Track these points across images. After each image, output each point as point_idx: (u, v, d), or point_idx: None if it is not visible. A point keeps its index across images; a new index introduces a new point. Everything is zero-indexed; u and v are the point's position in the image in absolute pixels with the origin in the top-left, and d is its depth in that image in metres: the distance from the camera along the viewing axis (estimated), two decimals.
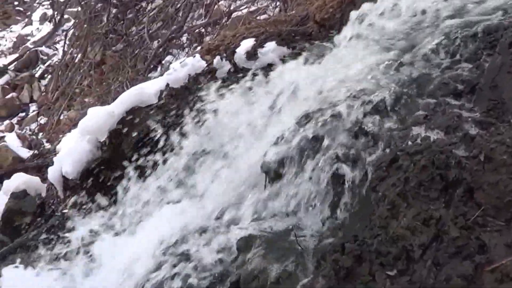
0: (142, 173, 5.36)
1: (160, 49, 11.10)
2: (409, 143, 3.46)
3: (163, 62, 10.67)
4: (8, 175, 11.72)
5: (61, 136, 11.47)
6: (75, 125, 10.31)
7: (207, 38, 9.19)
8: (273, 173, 3.94)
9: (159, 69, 10.40)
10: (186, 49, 10.60)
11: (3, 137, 14.11)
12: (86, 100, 11.97)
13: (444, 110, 3.67)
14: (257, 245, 3.55)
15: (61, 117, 12.70)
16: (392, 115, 3.85)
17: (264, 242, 3.55)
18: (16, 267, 5.42)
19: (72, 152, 6.01)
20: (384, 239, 3.06)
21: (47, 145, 12.53)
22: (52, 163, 6.44)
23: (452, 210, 2.96)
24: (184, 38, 11.11)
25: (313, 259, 3.29)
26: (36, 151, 12.58)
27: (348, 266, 3.03)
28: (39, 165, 10.99)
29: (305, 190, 3.75)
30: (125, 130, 5.77)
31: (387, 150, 3.53)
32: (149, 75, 10.14)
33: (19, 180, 6.66)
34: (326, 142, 3.84)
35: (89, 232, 5.25)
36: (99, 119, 5.85)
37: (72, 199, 6.12)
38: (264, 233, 3.64)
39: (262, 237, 3.60)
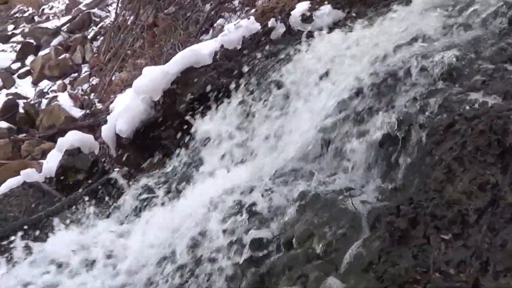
0: (192, 138, 5.39)
1: (212, 12, 11.09)
2: (467, 107, 3.43)
3: (214, 25, 10.66)
4: (61, 134, 11.93)
5: (112, 96, 11.61)
6: (126, 86, 10.43)
7: (259, 2, 9.12)
8: (331, 134, 3.95)
9: (210, 32, 10.40)
10: (238, 13, 10.56)
11: (56, 96, 14.33)
12: (138, 61, 12.05)
13: (502, 76, 3.62)
14: (313, 205, 3.57)
15: (113, 78, 12.83)
16: (449, 79, 3.81)
17: (319, 202, 3.57)
18: (68, 222, 5.52)
19: (126, 111, 6.08)
20: (439, 202, 3.05)
21: (99, 105, 12.70)
22: (105, 122, 6.53)
23: (509, 176, 2.93)
24: (236, 2, 11.07)
25: (368, 220, 3.30)
26: (88, 111, 12.77)
27: (403, 228, 3.03)
28: (90, 124, 11.17)
29: (362, 152, 3.75)
30: (179, 90, 5.81)
31: (445, 115, 3.50)
32: (201, 37, 10.16)
33: (73, 138, 6.76)
34: (383, 103, 3.83)
35: (142, 190, 5.32)
36: (153, 78, 5.89)
37: (125, 157, 6.21)
38: (320, 193, 3.65)
39: (318, 197, 3.61)
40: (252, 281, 3.43)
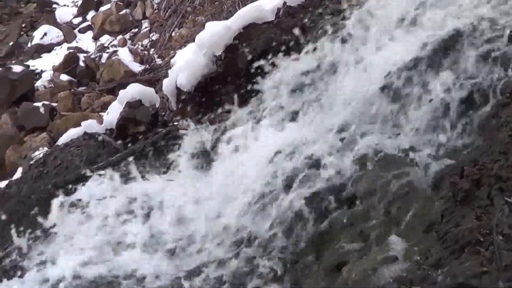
0: (255, 90, 5.37)
1: None
2: None
3: None
4: (120, 88, 12.04)
5: (172, 52, 11.66)
6: (186, 42, 10.47)
7: None
8: (396, 92, 3.91)
9: None
10: None
11: (116, 51, 14.47)
12: (198, 18, 12.05)
13: None
14: (376, 163, 3.56)
15: (173, 34, 12.88)
16: None
17: (382, 160, 3.55)
18: (127, 173, 5.60)
19: (187, 65, 6.10)
20: (504, 164, 3.01)
21: (158, 61, 12.78)
22: (166, 76, 6.55)
23: None
24: None
25: (432, 180, 3.28)
26: (147, 66, 12.88)
27: (466, 189, 3.00)
28: (150, 79, 11.28)
29: (427, 111, 3.71)
30: (241, 45, 5.80)
31: None
32: None
33: (134, 90, 6.80)
34: (449, 61, 3.77)
35: (199, 143, 5.35)
36: (216, 33, 5.89)
37: (185, 111, 6.25)
38: (383, 151, 3.62)
39: (382, 155, 3.59)
40: (312, 235, 3.45)
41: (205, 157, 5.16)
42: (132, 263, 4.09)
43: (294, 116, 4.64)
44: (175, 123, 6.37)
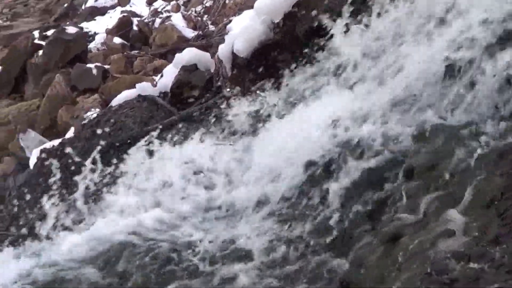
0: (312, 58, 5.32)
1: None
2: None
3: None
4: (173, 53, 12.08)
5: (225, 19, 11.63)
6: (241, 9, 10.41)
7: None
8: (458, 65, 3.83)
9: None
10: None
11: (170, 16, 14.50)
12: None
13: None
14: (436, 136, 3.50)
15: (227, 1, 12.84)
16: None
17: (442, 134, 3.50)
18: (180, 136, 5.63)
19: (245, 31, 6.08)
20: None
21: (211, 27, 12.76)
22: (218, 43, 6.53)
23: None
24: None
25: (492, 157, 3.21)
26: (200, 32, 12.87)
27: None
28: (203, 45, 11.25)
29: (489, 87, 3.63)
30: (300, 13, 5.74)
31: None
32: None
33: (190, 54, 6.83)
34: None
35: (253, 110, 5.35)
36: (275, 0, 5.85)
37: (239, 77, 6.24)
38: (443, 124, 3.57)
39: (441, 128, 3.54)
40: (369, 206, 3.42)
41: (258, 123, 5.15)
42: (185, 224, 4.12)
43: (351, 86, 4.59)
44: (229, 89, 6.36)
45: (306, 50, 5.39)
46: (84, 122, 7.67)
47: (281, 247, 3.59)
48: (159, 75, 7.96)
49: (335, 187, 3.66)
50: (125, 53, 13.95)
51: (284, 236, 3.64)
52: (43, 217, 5.68)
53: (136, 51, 14.31)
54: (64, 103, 12.09)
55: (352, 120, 4.00)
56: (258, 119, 5.23)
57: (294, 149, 4.16)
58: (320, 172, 3.87)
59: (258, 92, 5.67)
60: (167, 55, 12.96)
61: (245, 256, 3.61)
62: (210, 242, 3.85)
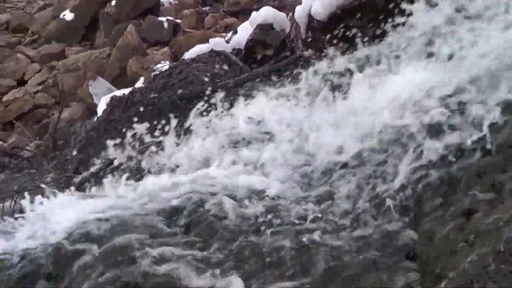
0: (391, 27, 5.22)
1: None
2: None
3: None
4: (244, 12, 12.07)
5: None
6: None
7: None
8: None
9: None
10: None
11: None
12: None
13: None
14: None
15: None
16: None
17: None
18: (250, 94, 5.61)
19: None
20: None
21: None
22: (291, 4, 6.47)
23: None
24: None
25: None
26: None
27: None
28: (276, 6, 11.17)
29: None
30: None
31: None
32: None
33: (267, 13, 6.78)
34: None
35: (327, 73, 5.28)
36: None
37: (315, 40, 6.19)
38: None
39: None
40: (441, 180, 3.36)
41: (332, 87, 5.09)
42: (253, 176, 4.12)
43: (431, 58, 4.49)
44: (303, 51, 6.32)
45: (384, 20, 5.28)
46: (155, 73, 7.74)
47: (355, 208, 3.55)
48: (231, 32, 7.95)
49: (409, 159, 3.60)
50: (197, 8, 13.98)
51: (359, 197, 3.60)
52: (109, 163, 5.79)
53: (208, 8, 14.33)
54: (135, 53, 12.22)
55: (430, 92, 3.90)
56: (330, 83, 5.16)
57: (368, 115, 4.10)
58: (393, 142, 3.81)
59: (333, 55, 5.60)
60: (239, 14, 12.96)
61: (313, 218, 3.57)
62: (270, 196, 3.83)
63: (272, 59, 6.39)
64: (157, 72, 7.62)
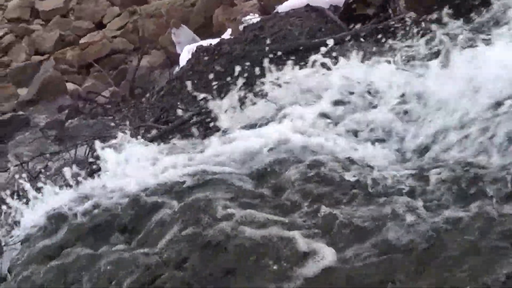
0: None
1: None
2: None
3: None
4: None
5: None
6: None
7: None
8: None
9: None
10: None
11: None
12: None
13: None
14: None
15: None
16: None
17: None
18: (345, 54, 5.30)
19: None
20: None
21: None
22: None
23: None
24: None
25: None
26: None
27: None
28: None
29: None
30: None
31: None
32: None
33: None
34: None
35: (425, 39, 4.94)
36: None
37: (417, 3, 5.82)
38: None
39: None
40: None
41: (428, 55, 4.76)
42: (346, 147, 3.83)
43: None
44: (405, 14, 5.95)
45: None
46: (244, 25, 7.49)
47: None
48: None
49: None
50: None
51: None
52: (192, 115, 5.56)
53: None
54: (222, 3, 11.97)
55: None
56: (433, 49, 4.81)
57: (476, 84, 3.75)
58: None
59: (434, 22, 5.23)
60: None
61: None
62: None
63: (372, 19, 6.05)
64: (246, 24, 7.37)
